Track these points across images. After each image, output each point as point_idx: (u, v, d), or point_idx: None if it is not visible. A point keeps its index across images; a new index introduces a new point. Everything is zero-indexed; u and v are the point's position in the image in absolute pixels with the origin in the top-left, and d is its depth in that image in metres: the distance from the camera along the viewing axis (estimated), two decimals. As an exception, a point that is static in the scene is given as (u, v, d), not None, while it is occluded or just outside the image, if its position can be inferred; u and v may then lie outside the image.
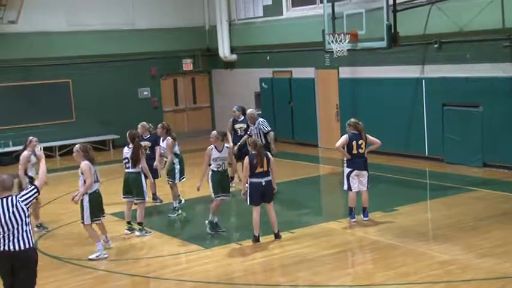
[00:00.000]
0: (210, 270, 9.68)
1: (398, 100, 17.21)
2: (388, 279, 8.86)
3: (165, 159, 13.60)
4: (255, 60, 22.04)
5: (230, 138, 14.96)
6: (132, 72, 22.64)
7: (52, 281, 9.49)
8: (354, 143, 11.46)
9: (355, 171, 11.56)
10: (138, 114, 19.73)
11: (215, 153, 11.33)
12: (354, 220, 11.64)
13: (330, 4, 16.39)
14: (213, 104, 24.67)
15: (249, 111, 14.79)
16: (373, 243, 10.55)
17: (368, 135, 11.68)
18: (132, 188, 11.74)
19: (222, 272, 9.61)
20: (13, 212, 7.29)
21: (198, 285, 9.16)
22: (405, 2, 15.83)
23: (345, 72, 18.80)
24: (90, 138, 21.61)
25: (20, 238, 7.30)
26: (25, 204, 7.38)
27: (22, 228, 7.33)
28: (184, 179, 13.28)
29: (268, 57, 21.58)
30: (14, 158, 20.29)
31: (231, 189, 14.85)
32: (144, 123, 13.85)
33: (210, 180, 11.45)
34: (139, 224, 11.75)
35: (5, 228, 7.27)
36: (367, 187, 11.70)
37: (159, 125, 13.43)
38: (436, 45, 16.13)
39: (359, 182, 11.62)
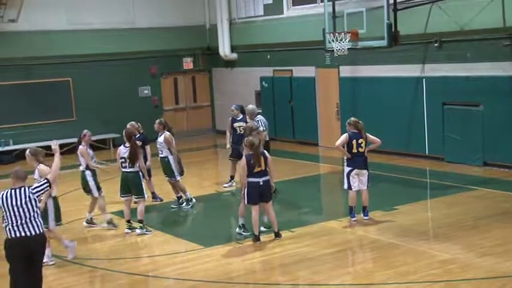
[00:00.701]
0: (210, 269, 9.68)
1: (398, 99, 17.20)
2: (388, 278, 8.86)
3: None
4: (255, 59, 22.03)
5: (229, 138, 14.95)
6: (132, 71, 22.63)
7: (52, 280, 9.49)
8: (354, 142, 11.45)
9: (355, 170, 11.56)
10: (139, 113, 19.76)
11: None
12: (354, 219, 11.64)
13: (331, 3, 16.37)
14: (214, 103, 24.66)
15: (249, 106, 14.71)
16: (373, 242, 10.55)
17: (368, 134, 11.67)
18: (130, 187, 11.75)
19: (222, 271, 9.61)
20: (25, 202, 7.86)
21: (198, 284, 9.16)
22: (406, 1, 15.82)
23: (346, 71, 18.78)
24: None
25: (34, 224, 7.87)
26: (36, 196, 7.94)
27: (34, 217, 7.89)
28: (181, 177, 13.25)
29: (268, 56, 21.57)
30: (14, 156, 20.34)
31: (231, 189, 14.94)
32: (133, 122, 13.76)
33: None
34: (140, 221, 11.76)
35: (18, 217, 7.83)
36: (367, 186, 11.70)
37: (157, 121, 13.45)
38: (436, 44, 16.12)
39: (359, 181, 11.62)
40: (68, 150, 20.16)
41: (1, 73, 20.56)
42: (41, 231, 7.98)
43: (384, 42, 15.05)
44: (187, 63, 23.87)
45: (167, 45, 23.09)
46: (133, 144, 11.73)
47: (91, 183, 12.04)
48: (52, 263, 10.25)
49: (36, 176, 9.96)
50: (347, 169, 11.62)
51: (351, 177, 11.56)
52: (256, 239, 10.74)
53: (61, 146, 21.28)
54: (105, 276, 9.78)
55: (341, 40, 15.70)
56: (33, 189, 7.98)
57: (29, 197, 7.90)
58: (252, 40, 21.98)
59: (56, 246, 11.10)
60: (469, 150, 15.73)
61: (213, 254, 10.39)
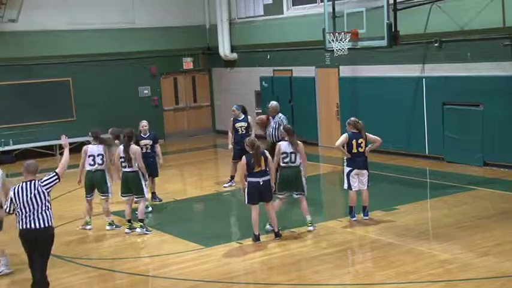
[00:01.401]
0: (210, 269, 9.67)
1: (398, 99, 17.20)
2: (388, 278, 8.86)
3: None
4: (255, 59, 22.03)
5: (231, 139, 14.94)
6: (132, 71, 22.63)
7: (53, 280, 9.45)
8: (354, 142, 11.46)
9: (355, 170, 11.56)
10: (139, 113, 19.76)
11: (284, 147, 11.09)
12: (354, 219, 11.65)
13: (331, 3, 16.36)
14: (213, 103, 24.66)
15: (273, 103, 14.61)
16: (373, 242, 10.55)
17: (368, 134, 11.67)
18: (131, 186, 11.74)
19: (222, 271, 9.61)
20: (35, 195, 8.22)
21: (198, 284, 9.16)
22: (406, 0, 15.83)
23: (345, 71, 18.79)
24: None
25: (41, 218, 8.21)
26: (46, 189, 8.29)
27: (42, 210, 8.24)
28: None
29: (268, 56, 21.57)
30: (14, 156, 20.34)
31: (231, 188, 14.95)
32: (148, 123, 13.77)
33: (278, 176, 11.13)
34: (141, 221, 11.76)
35: (27, 209, 8.21)
36: (368, 186, 11.70)
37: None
38: (436, 44, 16.12)
39: (359, 181, 11.62)
40: (69, 150, 20.17)
41: (1, 73, 20.55)
42: (48, 224, 8.28)
43: (383, 42, 15.04)
44: (187, 63, 23.86)
45: (167, 45, 23.09)
46: (125, 144, 11.73)
47: (109, 183, 11.92)
48: (8, 271, 9.99)
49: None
50: (347, 169, 11.62)
51: (351, 177, 11.57)
52: (256, 238, 10.75)
53: (61, 146, 21.23)
54: (105, 276, 9.78)
55: (341, 40, 15.70)
56: (42, 182, 8.33)
57: (38, 189, 8.26)
58: (252, 40, 21.98)
59: (58, 244, 11.10)
60: (469, 150, 15.73)
61: (213, 254, 10.39)
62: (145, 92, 23.21)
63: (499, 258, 9.31)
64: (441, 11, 15.68)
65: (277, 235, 10.89)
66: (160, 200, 14.08)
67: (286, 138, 11.19)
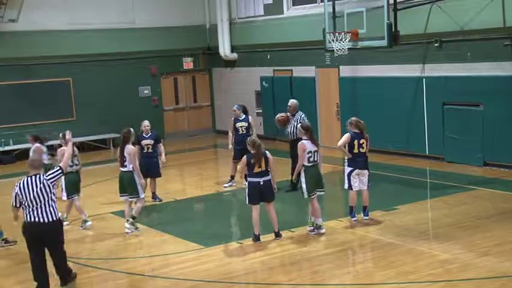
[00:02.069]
0: (210, 269, 9.67)
1: (398, 99, 17.20)
2: (389, 278, 8.86)
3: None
4: (255, 59, 22.03)
5: (231, 138, 14.94)
6: (132, 71, 22.64)
7: (52, 280, 9.47)
8: (356, 142, 11.45)
9: (356, 171, 11.56)
10: (139, 113, 19.77)
11: (309, 146, 11.02)
12: (354, 219, 11.65)
13: (331, 3, 16.35)
14: (214, 103, 24.66)
15: (293, 101, 14.67)
16: (373, 242, 10.55)
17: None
18: (126, 187, 11.74)
19: (222, 271, 9.61)
20: (40, 189, 8.53)
21: (199, 284, 9.16)
22: (406, 0, 15.83)
23: (346, 71, 18.79)
24: (91, 137, 21.66)
25: (48, 212, 8.54)
26: (51, 182, 8.60)
27: (48, 203, 8.56)
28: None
29: (268, 56, 21.57)
30: (14, 156, 20.34)
31: (231, 188, 14.95)
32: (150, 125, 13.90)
33: (303, 177, 11.04)
34: (133, 218, 11.74)
35: (34, 203, 8.51)
36: (368, 186, 11.70)
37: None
38: (436, 44, 16.12)
39: (360, 181, 11.62)
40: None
41: (1, 73, 20.56)
42: (54, 218, 8.59)
43: (384, 42, 15.04)
44: (188, 63, 23.86)
45: (167, 45, 23.09)
46: (121, 145, 11.79)
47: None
48: None
49: None
50: (348, 169, 11.61)
51: (351, 178, 11.57)
52: (257, 239, 10.74)
53: (61, 146, 21.24)
54: (106, 276, 9.77)
55: (341, 40, 15.70)
56: (47, 176, 8.64)
57: (44, 183, 8.55)
58: (252, 40, 21.98)
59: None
60: (469, 150, 15.73)
61: (213, 254, 10.39)
62: (146, 92, 23.21)
63: (499, 258, 9.31)
64: (441, 11, 15.68)
65: (278, 235, 10.89)
66: (161, 200, 14.09)
67: (305, 137, 11.08)
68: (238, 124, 14.89)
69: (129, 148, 11.74)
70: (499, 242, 10.06)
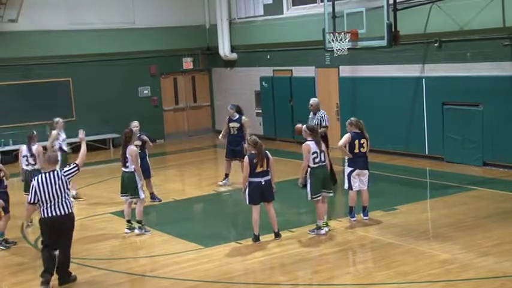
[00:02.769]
0: (209, 269, 9.67)
1: (398, 99, 17.20)
2: (388, 278, 8.86)
3: None
4: (255, 59, 22.03)
5: (224, 133, 15.11)
6: (132, 71, 22.64)
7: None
8: (356, 142, 11.46)
9: (357, 171, 11.56)
10: (139, 113, 19.76)
11: (314, 147, 10.95)
12: (354, 219, 11.65)
13: (331, 3, 16.37)
14: (213, 103, 24.66)
15: (315, 100, 14.87)
16: (373, 242, 10.55)
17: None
18: (126, 187, 11.73)
19: (222, 271, 9.61)
20: (59, 185, 8.91)
21: (198, 285, 9.16)
22: (406, 1, 15.82)
23: (345, 71, 18.79)
24: (91, 137, 21.60)
25: (64, 205, 8.97)
26: (67, 179, 9.01)
27: (66, 198, 8.99)
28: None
29: (268, 56, 21.57)
30: (13, 156, 20.32)
31: (228, 188, 14.96)
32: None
33: (309, 178, 10.97)
34: (139, 222, 11.75)
35: (52, 198, 8.90)
36: (368, 186, 11.70)
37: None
38: (436, 44, 16.12)
39: (360, 181, 11.62)
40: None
41: (1, 73, 20.56)
42: (70, 211, 9.04)
43: (383, 42, 15.04)
44: (187, 63, 23.86)
45: (167, 45, 23.09)
46: (123, 144, 11.80)
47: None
48: None
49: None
50: (348, 169, 11.61)
51: (351, 178, 11.57)
52: (256, 239, 10.74)
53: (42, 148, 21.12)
54: (105, 276, 9.77)
55: (341, 40, 15.70)
56: (64, 172, 9.03)
57: (62, 179, 8.94)
58: (252, 40, 21.98)
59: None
60: (468, 150, 15.74)
61: (212, 254, 10.39)
62: (145, 92, 23.21)
63: (499, 258, 9.31)
64: (441, 11, 15.67)
65: (277, 235, 10.89)
66: (160, 200, 14.08)
67: (310, 138, 11.04)
68: (231, 124, 14.98)
69: (131, 149, 11.73)
70: (499, 242, 10.06)
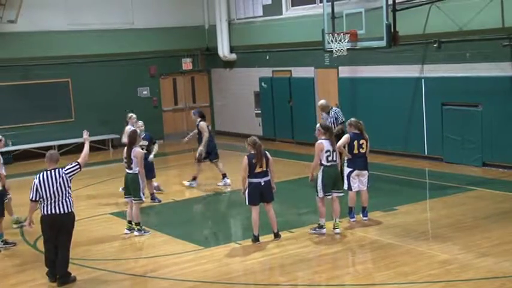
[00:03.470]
0: (209, 270, 9.67)
1: (397, 99, 17.21)
2: (388, 279, 8.86)
3: None
4: (254, 60, 22.04)
5: (191, 135, 15.67)
6: (131, 72, 22.64)
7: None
8: (355, 142, 11.47)
9: (356, 171, 11.56)
10: (138, 114, 19.65)
11: (327, 146, 10.95)
12: (353, 219, 11.65)
13: (330, 3, 16.38)
14: (213, 104, 24.66)
15: (322, 101, 15.11)
16: (372, 243, 10.55)
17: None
18: (130, 188, 11.72)
19: (221, 271, 9.61)
20: (60, 183, 9.01)
21: (198, 285, 9.15)
22: (405, 1, 15.83)
23: (345, 71, 18.79)
24: (90, 138, 21.58)
25: (64, 203, 9.04)
26: (69, 177, 9.10)
27: (65, 196, 9.06)
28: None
29: (267, 57, 21.58)
30: (12, 157, 20.33)
31: (226, 188, 14.97)
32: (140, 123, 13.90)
33: (320, 177, 10.97)
34: (137, 224, 11.73)
35: (53, 196, 8.98)
36: (367, 187, 11.70)
37: None
38: (435, 45, 16.13)
39: (359, 181, 11.62)
40: (68, 151, 20.20)
41: (0, 74, 20.55)
42: (70, 209, 9.12)
43: (383, 43, 15.05)
44: (187, 63, 23.86)
45: (166, 46, 23.10)
46: (127, 146, 11.77)
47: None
48: None
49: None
50: (347, 170, 11.62)
51: (351, 178, 11.57)
52: (256, 239, 10.74)
53: (60, 147, 21.28)
54: (106, 276, 9.76)
55: (340, 40, 15.71)
56: (66, 170, 9.11)
57: (63, 177, 9.03)
58: (251, 41, 21.98)
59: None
60: (468, 151, 15.75)
61: (212, 254, 10.39)
62: (145, 92, 23.21)
63: (498, 259, 9.32)
64: (440, 11, 15.68)
65: (277, 236, 10.89)
66: (160, 201, 14.08)
67: (324, 137, 11.00)
68: (196, 129, 15.40)
69: (137, 151, 11.70)
70: (498, 242, 10.07)
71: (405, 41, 15.73)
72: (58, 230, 9.13)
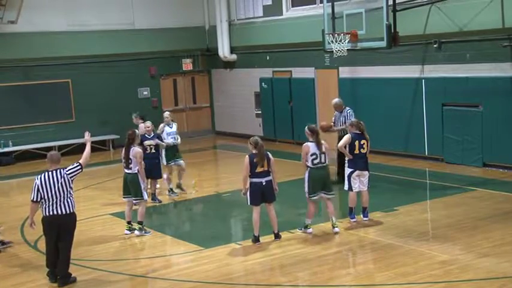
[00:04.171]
0: (209, 270, 9.68)
1: (398, 100, 17.21)
2: (388, 279, 8.87)
3: None
4: (254, 60, 22.04)
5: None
6: (131, 72, 22.65)
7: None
8: (357, 143, 11.48)
9: (357, 172, 11.57)
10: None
11: (313, 148, 10.98)
12: (354, 220, 11.66)
13: (330, 4, 16.38)
14: (213, 104, 24.67)
15: (336, 100, 15.17)
16: (373, 243, 10.56)
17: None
18: (130, 188, 11.72)
19: (222, 272, 9.61)
20: (61, 183, 9.03)
21: (198, 286, 9.16)
22: (405, 1, 15.83)
23: (345, 72, 18.80)
24: (91, 139, 21.60)
25: (66, 204, 9.07)
26: (70, 177, 9.11)
27: (68, 197, 9.09)
28: None
29: (268, 57, 21.59)
30: (13, 158, 20.34)
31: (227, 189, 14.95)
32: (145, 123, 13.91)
33: (307, 178, 11.04)
34: (140, 223, 11.74)
35: (54, 197, 9.00)
36: (368, 187, 11.71)
37: None
38: (435, 45, 16.13)
39: (360, 181, 11.63)
40: (68, 152, 20.20)
41: (0, 74, 20.56)
42: (71, 210, 9.15)
43: (383, 43, 15.06)
44: (187, 64, 23.87)
45: (166, 47, 23.11)
46: (125, 146, 11.77)
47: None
48: None
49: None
50: (348, 170, 11.62)
51: (352, 179, 11.58)
52: (256, 240, 10.74)
53: (60, 148, 21.31)
54: (106, 277, 9.77)
55: (340, 41, 15.72)
56: (67, 170, 9.13)
57: (64, 178, 9.05)
58: (252, 41, 21.99)
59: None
60: (468, 151, 15.75)
61: (212, 255, 10.39)
62: (145, 93, 23.22)
63: (499, 259, 9.32)
64: (440, 11, 15.69)
65: (277, 236, 10.89)
66: (160, 202, 14.09)
67: (311, 139, 11.05)
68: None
69: (135, 150, 11.70)
70: (499, 242, 10.07)
71: (405, 41, 15.74)
72: (59, 231, 9.15)
